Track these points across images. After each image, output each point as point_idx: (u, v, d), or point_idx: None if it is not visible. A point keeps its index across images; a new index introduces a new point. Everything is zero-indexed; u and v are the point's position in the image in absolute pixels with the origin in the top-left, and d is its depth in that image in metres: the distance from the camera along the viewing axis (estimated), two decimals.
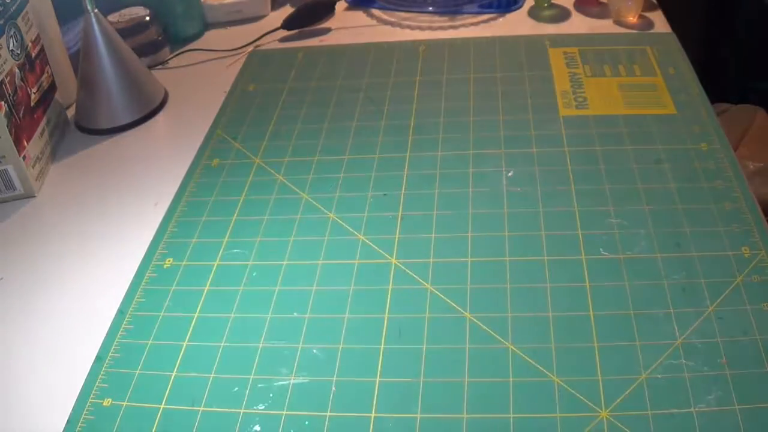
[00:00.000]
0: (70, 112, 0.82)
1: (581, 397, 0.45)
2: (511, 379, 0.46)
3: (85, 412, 0.48)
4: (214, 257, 0.59)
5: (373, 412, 0.46)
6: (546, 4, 0.90)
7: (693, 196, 0.58)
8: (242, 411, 0.47)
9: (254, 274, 0.57)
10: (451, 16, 0.92)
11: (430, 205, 0.61)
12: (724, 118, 1.23)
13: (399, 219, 0.60)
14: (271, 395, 0.48)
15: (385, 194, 0.63)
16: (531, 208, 0.59)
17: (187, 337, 0.52)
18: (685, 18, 0.89)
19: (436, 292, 0.53)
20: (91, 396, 0.49)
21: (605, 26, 0.85)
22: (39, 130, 0.73)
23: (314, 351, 0.50)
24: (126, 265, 0.59)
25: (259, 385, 0.48)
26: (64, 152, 0.77)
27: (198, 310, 0.54)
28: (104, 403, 0.48)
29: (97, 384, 0.50)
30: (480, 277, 0.54)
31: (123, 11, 0.89)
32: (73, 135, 0.79)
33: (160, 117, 0.80)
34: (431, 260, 0.56)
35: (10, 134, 0.67)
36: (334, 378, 0.48)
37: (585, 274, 0.53)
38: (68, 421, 0.47)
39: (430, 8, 0.93)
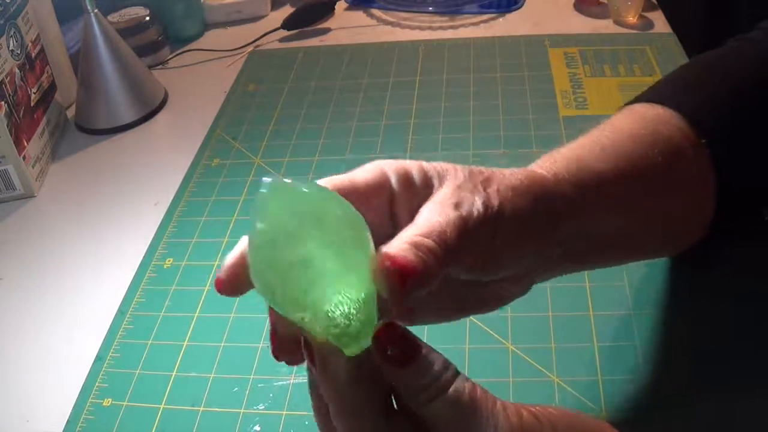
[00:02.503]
0: (70, 112, 0.82)
1: (581, 397, 0.45)
2: (511, 379, 0.46)
3: (85, 412, 0.48)
4: (214, 257, 0.59)
5: None
6: None
7: None
8: (242, 411, 0.47)
9: None
10: (451, 16, 0.92)
11: None
12: None
13: None
14: (271, 395, 0.48)
15: None
16: None
17: (187, 337, 0.52)
18: (685, 18, 0.89)
19: None
20: (91, 396, 0.49)
21: (605, 26, 0.85)
22: (39, 130, 0.73)
23: None
24: (126, 265, 0.59)
25: (259, 385, 0.48)
26: (64, 152, 0.77)
27: (198, 310, 0.54)
28: (104, 403, 0.48)
29: (97, 384, 0.50)
30: None
31: (123, 11, 0.89)
32: (73, 135, 0.79)
33: (160, 117, 0.80)
34: None
35: (10, 134, 0.67)
36: None
37: (585, 275, 0.53)
38: (68, 421, 0.47)
39: (430, 8, 0.93)
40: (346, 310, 0.29)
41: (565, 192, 0.38)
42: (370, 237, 0.30)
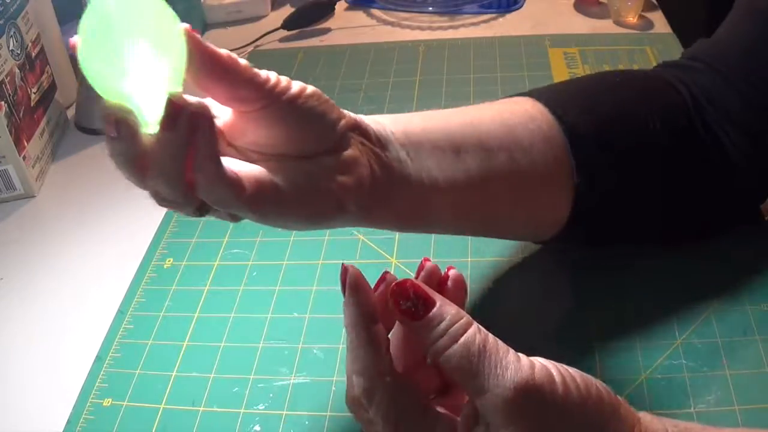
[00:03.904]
0: (70, 112, 0.82)
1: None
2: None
3: (85, 412, 0.48)
4: (214, 257, 0.59)
5: None
6: None
7: None
8: (242, 411, 0.47)
9: (254, 274, 0.57)
10: (451, 16, 0.92)
11: None
12: None
13: None
14: (271, 395, 0.48)
15: None
16: None
17: (187, 337, 0.52)
18: (685, 18, 0.89)
19: None
20: (91, 396, 0.49)
21: (605, 26, 0.85)
22: (39, 130, 0.73)
23: (314, 351, 0.50)
24: (126, 265, 0.59)
25: (259, 385, 0.48)
26: (64, 152, 0.77)
27: (198, 310, 0.54)
28: (104, 403, 0.48)
29: (97, 384, 0.50)
30: (480, 277, 0.54)
31: None
32: (73, 135, 0.79)
33: None
34: (431, 260, 0.56)
35: (10, 134, 0.67)
36: (334, 378, 0.48)
37: (586, 274, 0.53)
38: (68, 421, 0.47)
39: (430, 8, 0.93)
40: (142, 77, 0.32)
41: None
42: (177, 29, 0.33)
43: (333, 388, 0.48)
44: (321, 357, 0.50)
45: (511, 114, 0.46)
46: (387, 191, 0.40)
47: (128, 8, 0.32)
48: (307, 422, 0.46)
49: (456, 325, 0.31)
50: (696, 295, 0.50)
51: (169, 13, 0.33)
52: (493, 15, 0.91)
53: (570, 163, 0.46)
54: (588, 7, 0.89)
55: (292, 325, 0.52)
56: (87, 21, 0.32)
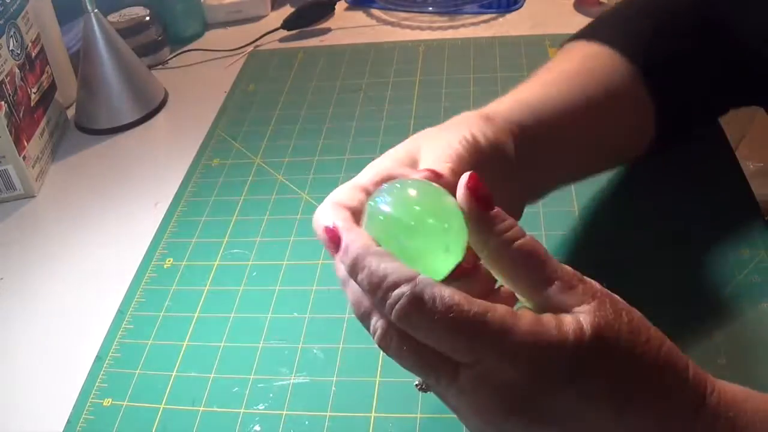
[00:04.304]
0: (70, 112, 0.82)
1: None
2: None
3: (85, 412, 0.48)
4: (214, 257, 0.59)
5: (373, 412, 0.46)
6: None
7: (693, 196, 0.58)
8: (242, 411, 0.47)
9: (254, 274, 0.57)
10: (451, 16, 0.92)
11: None
12: (723, 118, 1.23)
13: None
14: (271, 395, 0.48)
15: None
16: (531, 208, 0.59)
17: (187, 337, 0.52)
18: None
19: None
20: (91, 396, 0.49)
21: None
22: (39, 130, 0.73)
23: (314, 351, 0.50)
24: (126, 265, 0.59)
25: (259, 385, 0.48)
26: (64, 152, 0.77)
27: (198, 310, 0.54)
28: (104, 403, 0.48)
29: (97, 384, 0.50)
30: None
31: (123, 11, 0.89)
32: (73, 135, 0.79)
33: (160, 117, 0.80)
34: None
35: (10, 134, 0.67)
36: (334, 378, 0.48)
37: (587, 272, 0.52)
38: (68, 421, 0.47)
39: (430, 8, 0.93)
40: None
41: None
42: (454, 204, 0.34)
43: (333, 388, 0.48)
44: (321, 357, 0.50)
45: (598, 73, 0.51)
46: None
47: (407, 206, 0.34)
48: (307, 422, 0.46)
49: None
50: (695, 295, 0.50)
51: (441, 192, 0.34)
52: (493, 15, 0.91)
53: (644, 83, 0.51)
54: (588, 7, 0.89)
55: (292, 325, 0.52)
56: (372, 228, 0.34)
